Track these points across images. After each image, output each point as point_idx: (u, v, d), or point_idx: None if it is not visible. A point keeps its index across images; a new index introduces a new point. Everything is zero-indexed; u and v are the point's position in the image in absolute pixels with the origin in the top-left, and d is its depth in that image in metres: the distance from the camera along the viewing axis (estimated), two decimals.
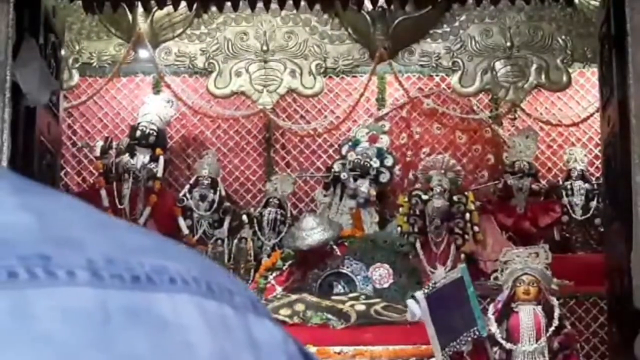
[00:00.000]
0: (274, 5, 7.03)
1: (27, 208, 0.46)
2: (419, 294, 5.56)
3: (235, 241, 7.66)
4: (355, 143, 7.92)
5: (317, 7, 7.23)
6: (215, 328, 0.47)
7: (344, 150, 7.98)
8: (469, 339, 5.39)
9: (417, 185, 7.75)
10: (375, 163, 7.76)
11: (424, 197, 7.47)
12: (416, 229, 7.44)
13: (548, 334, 5.69)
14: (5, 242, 0.44)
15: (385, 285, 6.43)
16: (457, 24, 8.69)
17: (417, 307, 5.63)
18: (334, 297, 6.18)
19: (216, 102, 8.60)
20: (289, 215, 7.78)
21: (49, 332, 0.41)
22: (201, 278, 0.49)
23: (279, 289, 6.46)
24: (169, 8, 7.20)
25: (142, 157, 7.92)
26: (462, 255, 7.33)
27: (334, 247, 6.60)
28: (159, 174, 7.94)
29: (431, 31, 8.68)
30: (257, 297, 0.54)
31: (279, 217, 7.76)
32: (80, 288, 0.43)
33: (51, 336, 0.41)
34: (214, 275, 0.50)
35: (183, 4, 6.71)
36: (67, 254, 0.44)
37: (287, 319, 5.79)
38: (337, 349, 5.59)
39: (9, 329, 0.41)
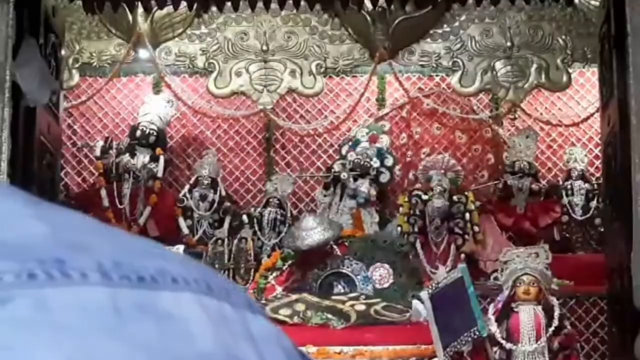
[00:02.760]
0: (274, 5, 7.04)
1: (40, 218, 0.51)
2: (424, 294, 5.56)
3: (236, 241, 7.65)
4: (356, 143, 7.93)
5: (317, 7, 7.24)
6: (216, 321, 0.51)
7: (344, 150, 7.98)
8: (469, 339, 5.39)
9: (417, 185, 7.75)
10: (376, 163, 7.77)
11: (424, 197, 7.48)
12: (416, 229, 7.45)
13: (548, 334, 5.69)
14: (24, 247, 0.48)
15: (386, 285, 6.42)
16: (457, 24, 8.69)
17: (422, 307, 5.64)
18: (334, 297, 6.17)
19: (216, 102, 8.60)
20: (289, 215, 7.78)
21: (67, 323, 0.46)
22: (201, 279, 0.52)
23: (279, 289, 6.45)
24: (169, 8, 7.21)
25: (142, 157, 7.92)
26: (462, 255, 7.34)
27: (334, 247, 6.59)
28: (159, 174, 7.94)
29: (431, 31, 8.69)
30: (252, 298, 0.58)
31: (279, 217, 7.76)
32: (93, 287, 0.48)
33: (69, 326, 0.46)
34: (212, 277, 0.54)
35: (183, 4, 6.71)
36: (79, 257, 0.49)
37: (287, 319, 5.78)
38: (337, 349, 5.58)
39: (32, 321, 0.45)
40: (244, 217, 7.81)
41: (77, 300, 0.47)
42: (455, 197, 7.50)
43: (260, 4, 6.89)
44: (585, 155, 8.15)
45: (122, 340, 0.46)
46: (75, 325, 0.46)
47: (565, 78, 8.57)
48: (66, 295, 0.47)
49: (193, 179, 7.99)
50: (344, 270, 6.47)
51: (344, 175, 7.74)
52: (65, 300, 0.47)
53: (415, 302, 5.70)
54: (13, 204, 0.52)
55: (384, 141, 7.96)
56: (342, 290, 6.38)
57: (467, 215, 7.48)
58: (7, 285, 0.46)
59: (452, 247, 7.42)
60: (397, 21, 8.31)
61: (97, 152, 8.01)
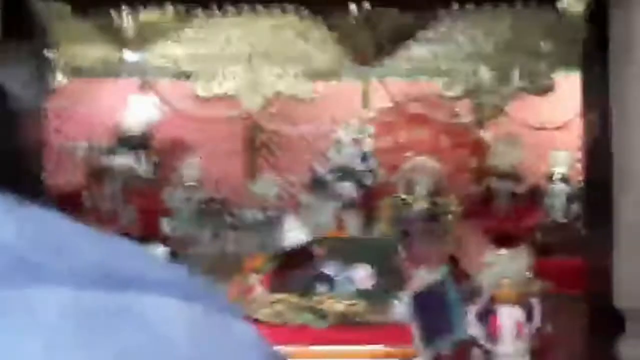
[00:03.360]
0: (260, 9, 7.05)
1: (14, 218, 0.50)
2: (405, 295, 5.59)
3: (219, 242, 7.65)
4: (340, 146, 7.95)
5: (304, 11, 7.27)
6: (193, 325, 0.50)
7: (328, 153, 8.00)
8: (450, 340, 5.42)
9: (401, 188, 7.78)
10: (359, 166, 7.80)
11: (407, 199, 7.51)
12: (399, 232, 7.47)
13: (528, 336, 5.73)
14: (1, 248, 0.47)
15: (367, 287, 6.45)
16: (441, 28, 8.72)
17: (403, 308, 5.66)
18: (315, 298, 6.20)
19: (202, 104, 8.60)
20: (272, 216, 7.79)
21: (48, 323, 0.46)
22: (179, 283, 0.52)
23: (260, 289, 6.47)
24: (156, 11, 7.22)
25: (126, 159, 7.92)
26: (444, 258, 7.36)
27: (316, 248, 6.62)
28: (144, 176, 7.94)
29: (416, 36, 8.71)
30: (232, 302, 0.58)
31: (262, 218, 7.77)
32: (66, 288, 0.47)
33: (41, 330, 0.46)
34: (191, 280, 0.54)
35: (170, 7, 6.73)
36: (55, 260, 0.48)
37: (268, 320, 5.81)
38: (318, 349, 5.61)
39: (11, 320, 0.45)
40: (227, 219, 7.81)
41: (52, 304, 0.47)
42: (437, 200, 7.54)
43: (246, 8, 6.92)
44: (567, 159, 8.19)
45: (95, 345, 0.46)
46: (47, 330, 0.46)
47: (548, 83, 8.61)
48: (41, 299, 0.46)
49: (177, 180, 7.99)
50: (325, 272, 6.50)
51: (328, 177, 7.76)
52: (40, 305, 0.46)
53: (396, 303, 5.73)
54: None
55: (368, 144, 7.99)
56: (324, 291, 6.40)
57: (450, 217, 7.51)
58: None
59: (434, 249, 7.45)
60: (382, 25, 8.34)
61: (82, 154, 8.00)
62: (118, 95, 8.64)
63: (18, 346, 0.45)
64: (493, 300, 5.84)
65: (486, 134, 8.59)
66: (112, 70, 8.52)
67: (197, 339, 0.50)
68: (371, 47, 8.42)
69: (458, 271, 7.05)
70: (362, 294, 6.33)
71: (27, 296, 0.46)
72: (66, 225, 0.53)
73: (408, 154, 8.42)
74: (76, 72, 8.54)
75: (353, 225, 7.69)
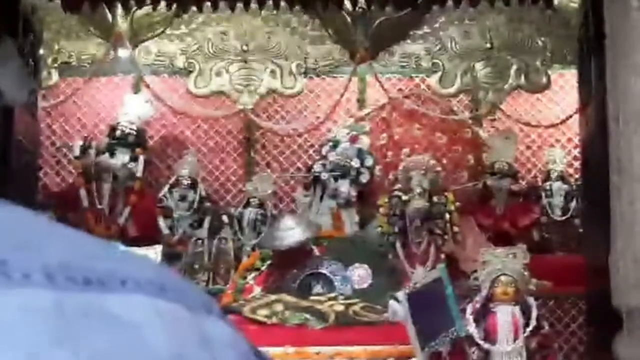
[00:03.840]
0: (254, 6, 7.03)
1: None
2: (400, 294, 5.58)
3: (216, 241, 7.64)
4: (336, 143, 7.93)
5: (298, 7, 7.24)
6: (169, 325, 0.49)
7: (324, 151, 7.98)
8: (447, 339, 5.41)
9: (397, 186, 7.74)
10: (356, 163, 7.77)
11: (404, 197, 7.48)
12: (396, 230, 7.44)
13: (525, 335, 5.71)
14: None
15: (364, 286, 6.44)
16: (437, 25, 8.70)
17: (399, 307, 5.64)
18: (312, 298, 6.18)
19: (196, 102, 8.58)
20: (269, 215, 7.77)
21: (7, 328, 0.43)
22: (155, 280, 0.51)
23: (257, 289, 6.45)
24: (148, 8, 7.19)
25: (121, 157, 7.89)
26: (442, 256, 7.34)
27: (313, 247, 6.60)
28: (139, 174, 7.92)
29: (411, 32, 8.69)
30: (212, 299, 0.56)
31: (259, 217, 7.75)
32: (36, 289, 0.45)
33: (10, 332, 0.43)
34: (167, 278, 0.52)
35: (162, 3, 6.70)
36: (23, 258, 0.46)
37: (265, 320, 5.79)
38: (316, 349, 5.59)
39: None
40: (224, 218, 7.79)
41: (18, 303, 0.45)
42: (435, 198, 7.51)
43: (240, 4, 6.89)
44: (564, 157, 8.18)
45: (65, 347, 0.44)
46: (16, 331, 0.44)
47: (544, 80, 8.60)
48: (6, 297, 0.45)
49: (173, 179, 7.96)
50: (322, 271, 6.48)
51: (324, 175, 7.74)
52: (5, 304, 0.44)
53: (391, 302, 5.71)
54: None
55: (364, 142, 7.97)
56: (321, 291, 6.39)
57: (447, 215, 7.48)
58: None
59: (432, 247, 7.42)
60: (377, 22, 8.31)
61: (76, 152, 7.96)
62: (112, 93, 8.61)
63: None
64: (490, 298, 5.82)
65: (482, 131, 8.57)
66: (105, 68, 8.48)
67: (172, 339, 0.49)
68: (366, 44, 8.39)
69: (455, 269, 7.04)
70: (359, 293, 6.31)
71: None
72: (34, 220, 0.51)
73: (404, 151, 8.41)
74: (68, 70, 8.52)
75: (350, 223, 7.67)
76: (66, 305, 0.46)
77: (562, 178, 8.00)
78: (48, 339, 0.44)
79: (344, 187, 7.67)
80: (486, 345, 5.70)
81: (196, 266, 7.38)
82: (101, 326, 0.46)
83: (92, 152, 7.90)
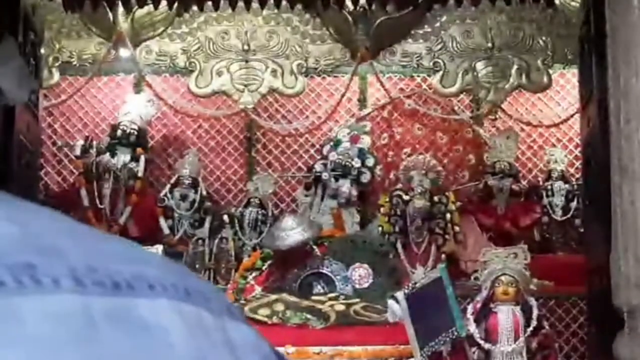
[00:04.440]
0: (255, 5, 7.03)
1: (10, 219, 0.48)
2: (399, 294, 5.57)
3: (216, 241, 7.64)
4: (337, 143, 7.93)
5: (299, 6, 7.24)
6: (194, 329, 0.49)
7: (325, 150, 7.98)
8: (448, 339, 5.40)
9: (398, 186, 7.76)
10: (357, 163, 7.77)
11: (405, 197, 7.49)
12: (397, 229, 7.45)
13: (526, 335, 5.71)
14: None
15: (365, 286, 6.43)
16: (438, 24, 8.70)
17: (397, 307, 5.63)
18: (313, 297, 6.18)
19: (197, 101, 8.58)
20: (270, 215, 7.77)
21: (37, 334, 0.44)
22: (179, 284, 0.51)
23: (258, 289, 6.45)
24: (149, 7, 7.18)
25: (122, 157, 7.89)
26: (443, 256, 7.34)
27: (314, 247, 6.60)
28: (140, 174, 7.92)
29: (412, 31, 8.70)
30: (232, 302, 0.57)
31: (260, 217, 7.75)
32: (65, 295, 0.46)
33: (40, 337, 0.44)
34: (190, 281, 0.52)
35: (164, 2, 6.69)
36: (51, 262, 0.47)
37: (266, 319, 5.78)
38: (317, 349, 5.59)
39: (1, 333, 0.43)
40: (225, 217, 7.79)
41: (48, 309, 0.45)
42: (436, 198, 7.51)
43: (241, 4, 6.89)
44: (566, 156, 8.18)
45: (95, 352, 0.45)
46: (47, 339, 0.44)
47: (545, 79, 8.60)
48: (37, 304, 0.45)
49: (174, 178, 7.97)
50: (323, 271, 6.48)
51: (325, 175, 7.74)
52: (36, 310, 0.45)
53: (390, 302, 5.70)
54: None
55: (365, 141, 7.97)
56: (322, 291, 6.39)
57: (448, 215, 7.49)
58: None
59: (433, 247, 7.43)
60: (378, 21, 8.31)
61: (77, 152, 7.96)
62: (113, 93, 8.62)
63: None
64: (491, 298, 5.82)
65: (483, 131, 8.57)
66: (106, 68, 8.49)
67: (197, 343, 0.49)
68: (367, 43, 8.39)
69: (456, 269, 7.04)
70: (360, 293, 6.31)
71: (16, 306, 0.44)
72: (60, 222, 0.52)
73: (405, 151, 8.41)
74: (70, 69, 8.52)
75: (351, 223, 7.66)
76: (95, 311, 0.46)
77: (563, 178, 8.00)
78: (79, 348, 0.44)
79: (345, 186, 7.67)
80: (487, 345, 5.70)
81: (197, 266, 7.38)
82: (129, 331, 0.47)
83: (93, 151, 7.91)
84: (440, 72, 8.61)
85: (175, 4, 6.94)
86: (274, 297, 6.06)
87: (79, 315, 0.45)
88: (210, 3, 6.85)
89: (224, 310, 0.53)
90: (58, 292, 0.46)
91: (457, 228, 7.53)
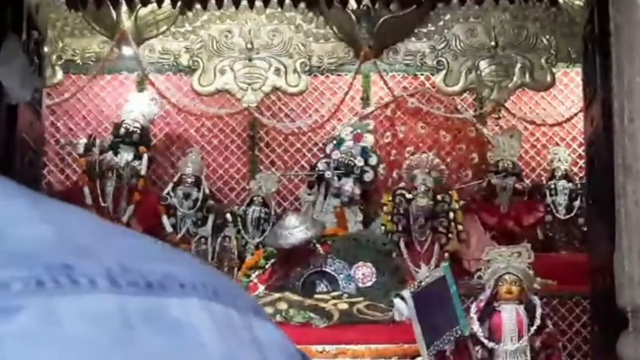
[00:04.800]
0: (258, 3, 7.02)
1: (44, 220, 0.49)
2: (406, 293, 5.57)
3: (219, 239, 7.64)
4: (340, 142, 7.93)
5: (302, 5, 7.24)
6: (223, 329, 0.50)
7: (328, 149, 7.98)
8: (452, 338, 5.40)
9: (401, 184, 7.75)
10: (360, 162, 7.77)
11: (408, 196, 7.48)
12: (400, 228, 7.45)
13: (530, 334, 5.71)
14: (31, 253, 0.47)
15: (368, 284, 6.43)
16: (441, 23, 8.69)
17: (404, 306, 5.64)
18: (316, 296, 6.18)
19: (200, 100, 8.58)
20: (273, 213, 7.77)
21: (76, 334, 0.45)
22: (207, 283, 0.52)
23: (261, 287, 6.45)
24: (153, 5, 7.19)
25: (125, 155, 7.89)
26: (446, 254, 7.34)
27: (317, 245, 6.60)
28: (143, 172, 7.92)
29: (416, 30, 8.69)
30: (257, 301, 0.58)
31: (263, 215, 7.75)
32: (101, 295, 0.47)
33: (79, 338, 0.45)
34: (218, 280, 0.53)
35: (167, 1, 6.69)
36: (87, 263, 0.48)
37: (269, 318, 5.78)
38: (320, 347, 5.59)
39: (40, 333, 0.44)
40: (228, 216, 7.79)
41: (86, 310, 0.46)
42: (439, 196, 7.51)
43: (244, 2, 6.90)
44: (569, 155, 8.17)
45: (133, 353, 0.46)
46: (86, 339, 0.45)
47: (549, 78, 8.59)
48: (75, 304, 0.46)
49: (177, 177, 7.97)
50: (326, 269, 6.48)
51: (328, 174, 7.74)
52: (74, 310, 0.45)
53: (397, 300, 5.70)
54: (18, 206, 0.50)
55: (368, 140, 7.97)
56: (325, 289, 6.39)
57: (451, 214, 7.49)
58: (15, 294, 0.45)
59: (436, 246, 7.43)
60: (381, 20, 8.31)
61: (80, 150, 7.97)
62: (116, 91, 8.63)
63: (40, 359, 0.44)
64: (495, 297, 5.81)
65: (487, 130, 8.56)
66: (109, 66, 8.49)
67: (226, 342, 0.50)
68: (371, 42, 8.38)
69: (459, 268, 7.04)
70: (363, 291, 6.31)
71: (54, 306, 0.45)
72: (92, 222, 0.53)
73: (408, 149, 8.40)
74: (73, 67, 8.53)
75: (353, 222, 7.66)
76: (130, 310, 0.47)
77: (566, 176, 7.99)
78: (113, 344, 0.45)
79: (348, 185, 7.67)
80: (490, 344, 5.70)
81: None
82: (163, 331, 0.47)
83: (96, 150, 7.91)
84: (444, 71, 8.61)
85: (179, 3, 6.95)
86: (277, 295, 6.06)
87: (115, 316, 0.46)
88: (213, 1, 6.84)
89: (250, 309, 0.53)
90: (95, 292, 0.47)
91: (460, 227, 7.53)
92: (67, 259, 0.47)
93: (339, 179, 7.70)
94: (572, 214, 7.87)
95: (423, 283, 5.60)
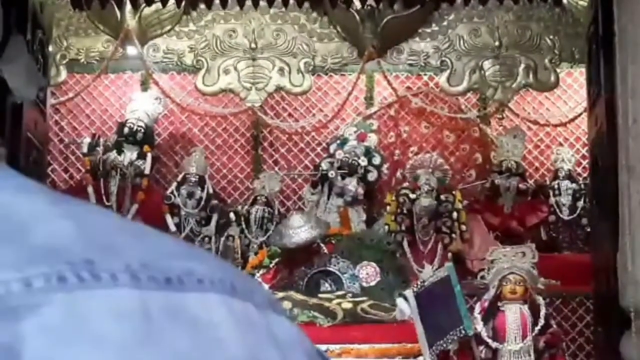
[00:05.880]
0: (262, 3, 7.02)
1: (67, 217, 0.50)
2: (409, 292, 5.57)
3: (223, 239, 7.65)
4: (344, 141, 7.93)
5: (306, 5, 7.24)
6: (242, 324, 0.51)
7: (332, 149, 7.99)
8: (455, 337, 5.40)
9: (405, 184, 7.75)
10: (363, 161, 7.77)
11: (412, 195, 7.49)
12: (403, 228, 7.45)
13: (534, 333, 5.71)
14: (53, 249, 0.48)
15: (372, 284, 6.43)
16: (445, 23, 8.69)
17: (406, 306, 5.64)
18: (320, 295, 6.18)
19: (204, 99, 8.59)
20: (276, 213, 7.78)
21: (100, 330, 0.46)
22: (225, 278, 0.53)
23: (265, 287, 6.45)
24: (157, 5, 7.20)
25: (129, 154, 7.90)
26: (449, 254, 7.34)
27: (321, 245, 6.60)
28: (147, 171, 7.92)
29: (420, 30, 8.69)
30: (274, 297, 0.59)
31: (266, 215, 7.76)
32: (123, 289, 0.48)
33: (102, 334, 0.46)
34: (235, 276, 0.54)
35: (171, 0, 6.70)
36: (108, 258, 0.49)
37: None
38: (324, 347, 5.57)
39: (65, 329, 0.45)
40: (232, 215, 7.79)
41: (108, 305, 0.47)
42: (442, 196, 7.51)
43: (248, 2, 6.90)
44: (573, 156, 8.17)
45: (155, 349, 0.46)
46: (108, 334, 0.46)
47: (553, 78, 8.58)
48: (97, 299, 0.47)
49: (180, 176, 7.98)
50: (331, 269, 6.48)
51: (331, 173, 7.74)
52: (96, 305, 0.46)
53: (399, 300, 5.71)
54: (40, 203, 0.51)
55: (372, 140, 7.98)
56: (329, 289, 6.40)
57: (455, 214, 7.49)
58: (37, 290, 0.46)
59: (439, 246, 7.43)
60: (385, 20, 8.31)
61: (85, 149, 7.98)
62: (120, 90, 8.64)
63: (67, 356, 0.45)
64: (498, 297, 5.81)
65: (490, 130, 8.56)
66: (113, 65, 8.50)
67: (245, 338, 0.50)
68: (375, 42, 8.38)
69: (463, 268, 7.04)
70: (367, 291, 6.31)
71: (78, 301, 0.46)
72: (112, 219, 0.54)
73: (412, 149, 8.41)
74: (78, 67, 8.53)
75: (357, 221, 7.67)
76: (151, 306, 0.48)
77: (570, 177, 7.99)
78: (136, 340, 0.46)
79: (352, 185, 7.67)
80: (494, 344, 5.70)
81: None
82: (183, 326, 0.48)
83: (100, 149, 7.92)
84: (448, 71, 8.60)
85: (183, 2, 6.96)
86: (281, 295, 6.06)
87: (137, 310, 0.47)
88: (217, 1, 6.85)
89: (267, 305, 0.54)
90: (116, 287, 0.47)
91: (463, 227, 7.53)
92: (89, 254, 0.48)
93: (343, 178, 7.71)
94: (576, 214, 7.86)
95: (426, 283, 5.60)
